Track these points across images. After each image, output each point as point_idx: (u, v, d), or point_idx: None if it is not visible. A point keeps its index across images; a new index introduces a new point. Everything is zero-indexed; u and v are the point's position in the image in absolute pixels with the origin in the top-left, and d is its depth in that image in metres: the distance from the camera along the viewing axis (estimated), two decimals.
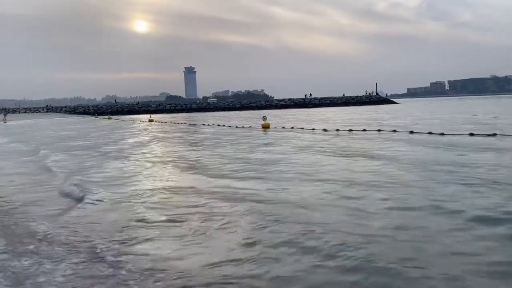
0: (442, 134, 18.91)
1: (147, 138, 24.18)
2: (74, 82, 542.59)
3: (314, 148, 15.82)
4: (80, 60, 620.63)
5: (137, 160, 13.85)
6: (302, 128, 26.13)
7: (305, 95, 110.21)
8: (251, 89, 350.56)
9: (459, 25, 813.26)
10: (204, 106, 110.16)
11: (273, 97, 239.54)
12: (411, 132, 20.61)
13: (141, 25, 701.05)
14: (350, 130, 23.11)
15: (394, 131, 21.53)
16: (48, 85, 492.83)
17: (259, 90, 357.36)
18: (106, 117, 73.87)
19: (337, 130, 24.03)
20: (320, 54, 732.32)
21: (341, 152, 14.25)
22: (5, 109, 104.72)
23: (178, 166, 12.27)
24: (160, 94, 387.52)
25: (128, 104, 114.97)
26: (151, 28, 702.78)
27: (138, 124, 43.48)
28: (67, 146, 19.52)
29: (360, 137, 19.80)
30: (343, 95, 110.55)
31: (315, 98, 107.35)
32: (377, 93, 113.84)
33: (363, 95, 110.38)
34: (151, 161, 13.64)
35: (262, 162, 12.51)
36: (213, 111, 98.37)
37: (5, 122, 65.05)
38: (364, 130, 22.87)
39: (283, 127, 27.68)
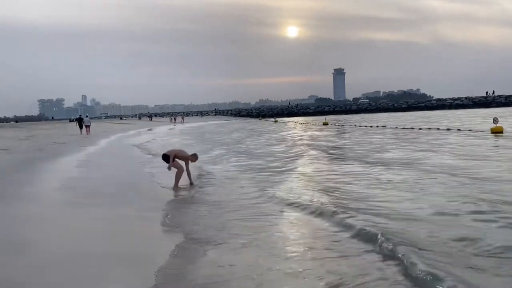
0: None
1: None
2: (231, 87, 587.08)
3: None
4: (236, 67, 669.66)
5: None
6: None
7: (487, 93, 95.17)
8: (404, 89, 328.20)
9: None
10: (365, 107, 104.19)
11: (432, 96, 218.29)
12: None
13: (290, 30, 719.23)
14: None
15: None
16: (209, 91, 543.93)
17: (415, 89, 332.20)
18: (272, 120, 74.23)
19: None
20: (486, 47, 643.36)
21: None
22: (182, 112, 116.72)
23: None
24: (309, 97, 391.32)
25: (288, 106, 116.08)
26: (300, 32, 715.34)
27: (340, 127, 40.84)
28: None
29: None
30: None
31: (499, 96, 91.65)
32: None
33: None
34: None
35: None
36: (369, 112, 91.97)
37: (182, 123, 70.71)
38: None
39: None
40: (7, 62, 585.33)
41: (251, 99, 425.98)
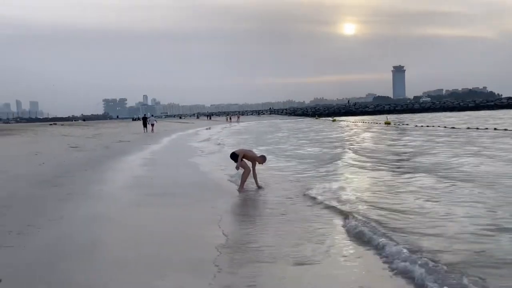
0: None
1: None
2: (286, 86, 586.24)
3: None
4: (291, 66, 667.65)
5: None
6: None
7: None
8: (470, 87, 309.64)
9: None
10: (427, 106, 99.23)
11: (501, 94, 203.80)
12: None
13: (347, 27, 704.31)
14: None
15: None
16: (264, 90, 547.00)
17: (481, 87, 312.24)
18: (330, 119, 72.68)
19: None
20: None
21: None
22: (238, 112, 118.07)
23: None
24: (366, 95, 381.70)
25: (346, 105, 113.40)
26: (357, 29, 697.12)
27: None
28: None
29: None
30: None
31: None
32: None
33: None
34: None
35: None
36: (432, 111, 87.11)
37: (238, 123, 71.29)
38: None
39: None
40: (74, 64, 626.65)
41: (306, 97, 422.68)
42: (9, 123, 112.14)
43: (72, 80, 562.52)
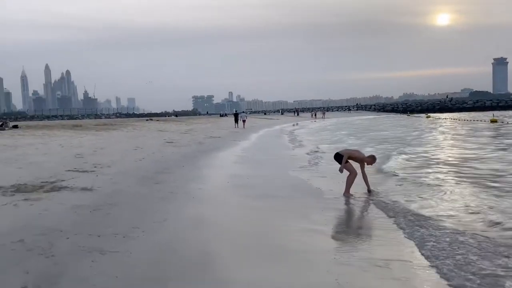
0: None
1: None
2: (372, 81, 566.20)
3: None
4: (377, 60, 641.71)
5: None
6: None
7: None
8: None
9: None
10: None
11: None
12: None
13: (442, 18, 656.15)
14: None
15: None
16: (348, 85, 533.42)
17: None
18: (424, 115, 67.78)
19: None
20: None
21: None
22: (322, 107, 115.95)
23: None
24: (461, 90, 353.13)
25: (440, 101, 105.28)
26: (453, 20, 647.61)
27: None
28: None
29: None
30: None
31: None
32: None
33: None
34: None
35: None
36: None
37: (323, 119, 69.56)
38: None
39: None
40: (166, 63, 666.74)
41: (394, 93, 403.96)
42: (110, 117, 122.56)
43: (164, 78, 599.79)
